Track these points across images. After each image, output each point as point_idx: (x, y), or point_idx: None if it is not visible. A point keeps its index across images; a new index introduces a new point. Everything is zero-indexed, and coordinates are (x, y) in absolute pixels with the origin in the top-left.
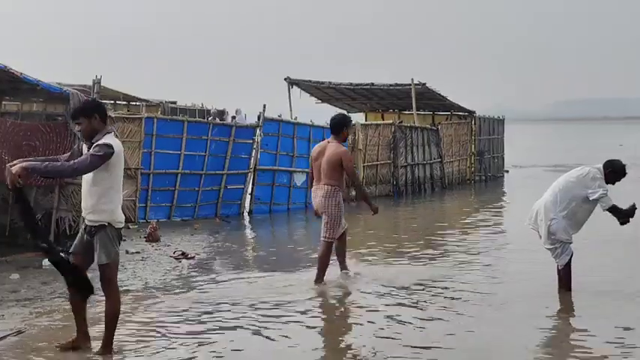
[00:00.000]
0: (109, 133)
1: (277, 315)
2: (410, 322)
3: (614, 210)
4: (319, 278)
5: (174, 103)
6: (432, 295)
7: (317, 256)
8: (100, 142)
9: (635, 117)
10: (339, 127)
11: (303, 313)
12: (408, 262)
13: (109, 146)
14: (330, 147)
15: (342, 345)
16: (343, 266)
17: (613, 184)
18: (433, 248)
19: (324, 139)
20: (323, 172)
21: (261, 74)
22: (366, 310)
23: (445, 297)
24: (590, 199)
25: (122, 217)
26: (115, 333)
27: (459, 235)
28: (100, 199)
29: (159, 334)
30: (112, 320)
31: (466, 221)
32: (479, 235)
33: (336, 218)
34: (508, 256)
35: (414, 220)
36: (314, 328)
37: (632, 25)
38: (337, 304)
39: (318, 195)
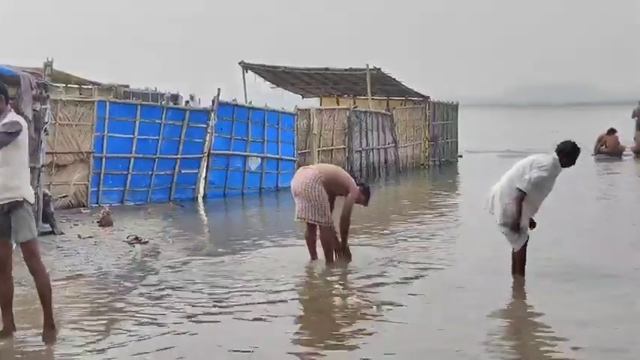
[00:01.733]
0: (9, 112)
1: (228, 299)
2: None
3: (517, 203)
4: (329, 259)
5: (127, 86)
6: (389, 278)
7: (321, 242)
8: (6, 120)
9: (597, 103)
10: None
11: (256, 296)
12: (366, 245)
13: (18, 123)
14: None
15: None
16: (315, 255)
17: (570, 166)
18: (389, 232)
19: (278, 124)
20: (323, 165)
21: (215, 58)
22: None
23: (402, 278)
24: (516, 186)
25: (32, 193)
26: (66, 317)
27: (414, 219)
28: (12, 176)
29: (109, 318)
30: (48, 295)
31: (421, 205)
32: (434, 219)
33: (323, 202)
34: (463, 240)
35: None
36: (276, 317)
37: (592, 10)
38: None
39: (301, 176)
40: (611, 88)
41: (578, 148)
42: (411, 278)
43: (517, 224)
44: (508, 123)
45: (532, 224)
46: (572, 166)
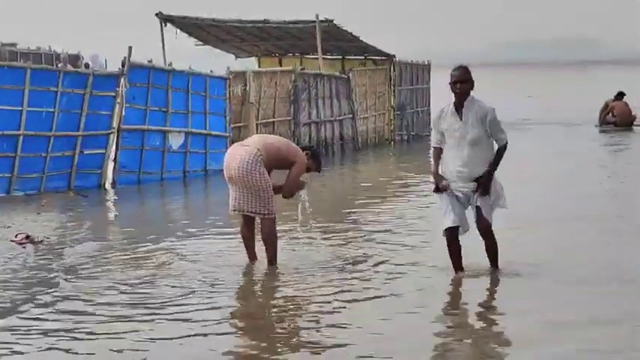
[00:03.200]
0: None
1: (151, 312)
2: (325, 302)
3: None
4: (273, 260)
5: (14, 45)
6: (350, 274)
7: (262, 239)
8: None
9: (600, 61)
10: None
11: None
12: (321, 241)
13: None
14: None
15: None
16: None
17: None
18: (345, 224)
19: (206, 91)
20: (261, 139)
21: (125, 8)
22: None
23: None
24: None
25: None
26: None
27: (375, 208)
28: None
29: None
30: None
31: (383, 191)
32: (399, 207)
33: (264, 188)
34: (432, 234)
35: (320, 191)
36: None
37: None
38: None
39: (235, 157)
40: (617, 44)
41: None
42: (367, 280)
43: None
44: (494, 86)
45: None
46: (568, 141)
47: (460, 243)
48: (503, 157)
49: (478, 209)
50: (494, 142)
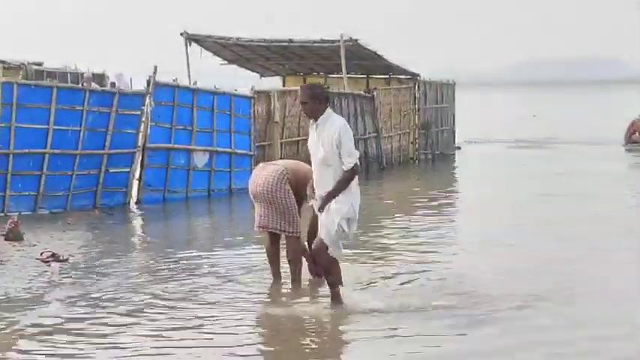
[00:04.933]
0: None
1: (178, 332)
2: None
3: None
4: (297, 279)
5: (40, 64)
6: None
7: (287, 258)
8: None
9: (625, 80)
10: None
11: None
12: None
13: None
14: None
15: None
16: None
17: None
18: (373, 247)
19: (231, 109)
20: (291, 162)
21: (151, 29)
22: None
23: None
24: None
25: None
26: None
27: (401, 230)
28: None
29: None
30: None
31: (411, 213)
32: (426, 229)
33: (290, 206)
34: (462, 255)
35: None
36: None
37: None
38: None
39: (262, 174)
40: (636, 63)
41: None
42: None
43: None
44: (517, 105)
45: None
46: (598, 161)
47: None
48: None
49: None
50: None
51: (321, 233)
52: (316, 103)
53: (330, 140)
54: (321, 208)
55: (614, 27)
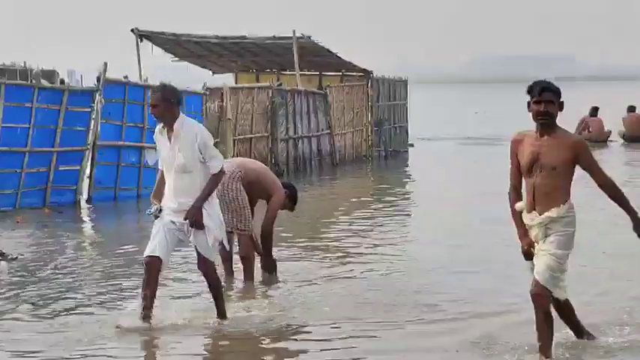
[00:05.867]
0: None
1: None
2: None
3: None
4: (250, 276)
5: None
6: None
7: (239, 255)
8: None
9: (578, 77)
10: None
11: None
12: (297, 259)
13: None
14: None
15: None
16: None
17: None
18: (323, 243)
19: (183, 107)
20: (243, 161)
21: (104, 26)
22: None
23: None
24: None
25: None
26: None
27: (352, 226)
28: None
29: None
30: None
31: (361, 209)
32: (377, 225)
33: (242, 203)
34: (411, 249)
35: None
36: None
37: None
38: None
39: None
40: (595, 61)
41: None
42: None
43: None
44: (469, 103)
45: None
46: None
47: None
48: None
49: (196, 249)
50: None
51: (205, 252)
52: (169, 105)
53: (191, 145)
54: (196, 222)
55: (566, 24)
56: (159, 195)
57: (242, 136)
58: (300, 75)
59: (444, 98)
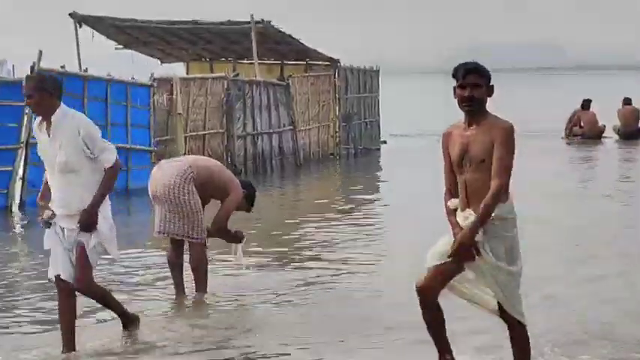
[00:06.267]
0: None
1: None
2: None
3: None
4: (202, 288)
5: None
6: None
7: (191, 266)
8: None
9: (566, 67)
10: None
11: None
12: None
13: None
14: None
15: None
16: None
17: None
18: (281, 254)
19: (127, 100)
20: (195, 158)
21: (37, 9)
22: None
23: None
24: None
25: None
26: None
27: (315, 234)
28: None
29: None
30: None
31: (327, 215)
32: (343, 233)
33: (194, 209)
34: (383, 262)
35: (256, 213)
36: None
37: None
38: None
39: (163, 173)
40: (584, 50)
41: None
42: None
43: None
44: (450, 95)
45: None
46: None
47: (74, 301)
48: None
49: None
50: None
51: (79, 265)
52: (46, 96)
53: (74, 139)
54: (90, 226)
55: (551, 12)
56: (47, 198)
57: (194, 133)
58: (259, 64)
59: (422, 90)
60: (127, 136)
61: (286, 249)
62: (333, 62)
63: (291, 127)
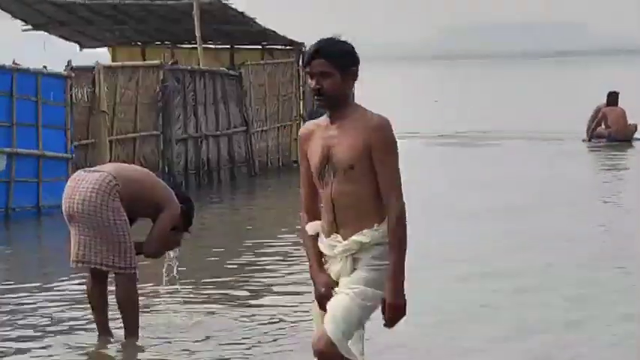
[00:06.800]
0: None
1: None
2: None
3: None
4: (133, 331)
5: None
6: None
7: (117, 302)
8: None
9: (586, 52)
10: None
11: None
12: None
13: None
14: None
15: None
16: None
17: None
18: (228, 285)
19: (38, 94)
20: (119, 167)
21: None
22: None
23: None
24: None
25: None
26: None
27: (267, 264)
28: None
29: None
30: None
31: (284, 240)
32: (298, 264)
33: (120, 230)
34: None
35: (200, 237)
36: None
37: None
38: None
39: (80, 187)
40: (606, 31)
41: None
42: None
43: None
44: (445, 85)
45: None
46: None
47: None
48: None
49: None
50: None
51: None
52: None
53: None
54: None
55: None
56: None
57: (122, 136)
58: (204, 49)
59: (408, 79)
60: (37, 140)
61: (235, 280)
62: (297, 46)
63: (244, 128)
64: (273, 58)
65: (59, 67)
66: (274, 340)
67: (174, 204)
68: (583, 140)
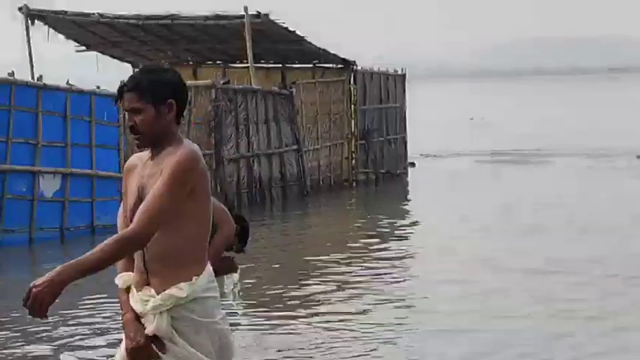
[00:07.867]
0: None
1: None
2: None
3: None
4: None
5: None
6: None
7: None
8: None
9: (620, 68)
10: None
11: None
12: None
13: None
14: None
15: None
16: None
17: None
18: (284, 311)
19: (92, 114)
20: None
21: None
22: None
23: None
24: None
25: None
26: None
27: (327, 286)
28: None
29: None
30: None
31: (340, 263)
32: (363, 288)
33: None
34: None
35: (253, 257)
36: None
37: None
38: None
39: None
40: None
41: None
42: None
43: None
44: (495, 102)
45: None
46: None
47: None
48: None
49: None
50: None
51: None
52: None
53: None
54: None
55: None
56: None
57: None
58: (256, 68)
59: (458, 97)
60: (91, 160)
61: (290, 306)
62: (348, 65)
63: (296, 147)
64: (324, 77)
65: (112, 88)
66: None
67: (230, 224)
68: (637, 156)
